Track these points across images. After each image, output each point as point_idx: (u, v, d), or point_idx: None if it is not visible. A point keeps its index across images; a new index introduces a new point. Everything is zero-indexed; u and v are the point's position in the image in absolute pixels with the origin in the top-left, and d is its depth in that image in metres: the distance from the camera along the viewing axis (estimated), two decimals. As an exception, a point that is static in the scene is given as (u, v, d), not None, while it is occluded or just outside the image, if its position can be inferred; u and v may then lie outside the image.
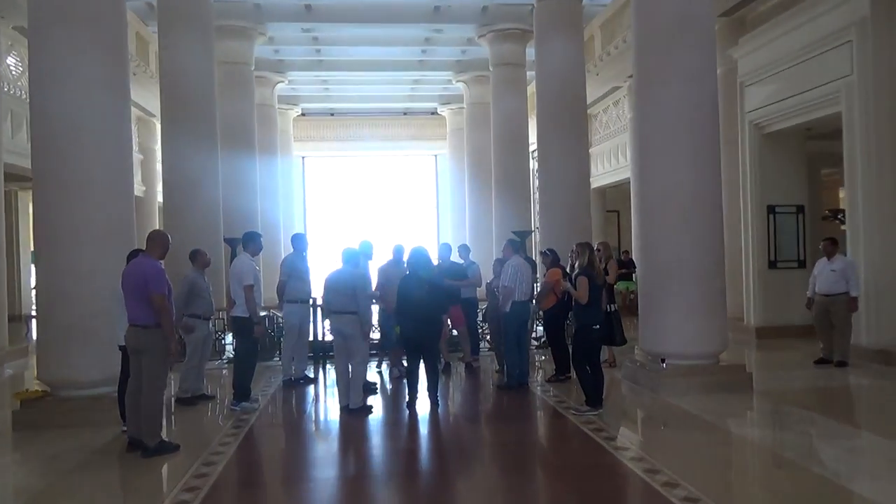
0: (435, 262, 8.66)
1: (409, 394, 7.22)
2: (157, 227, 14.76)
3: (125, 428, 5.93)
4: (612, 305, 8.19)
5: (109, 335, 6.23)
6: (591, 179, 15.20)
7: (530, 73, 15.68)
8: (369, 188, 26.46)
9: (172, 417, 7.07)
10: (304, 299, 8.54)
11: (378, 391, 8.17)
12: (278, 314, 9.53)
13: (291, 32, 16.81)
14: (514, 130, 16.20)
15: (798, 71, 10.31)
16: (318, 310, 9.43)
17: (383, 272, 8.74)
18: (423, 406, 7.16)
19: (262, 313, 10.58)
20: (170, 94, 11.29)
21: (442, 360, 8.72)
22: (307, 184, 26.30)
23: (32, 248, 8.24)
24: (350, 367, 7.07)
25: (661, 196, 7.56)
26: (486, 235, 17.60)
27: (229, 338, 9.63)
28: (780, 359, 10.01)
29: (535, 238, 14.70)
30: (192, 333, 7.50)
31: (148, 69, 15.18)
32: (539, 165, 12.76)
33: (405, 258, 8.06)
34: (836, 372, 8.58)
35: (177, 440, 5.86)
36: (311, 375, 8.92)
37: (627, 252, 16.96)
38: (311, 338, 9.29)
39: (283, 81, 19.98)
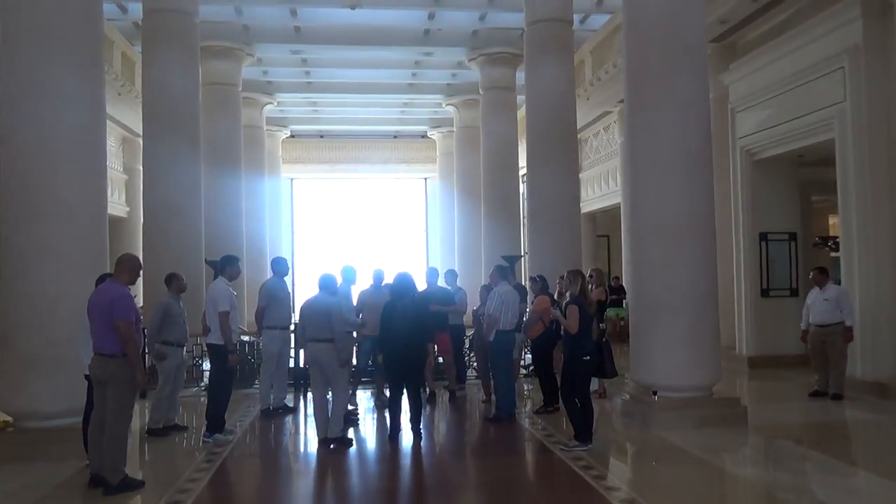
0: (423, 286, 8.43)
1: (390, 426, 6.93)
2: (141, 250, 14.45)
3: (89, 461, 5.60)
4: (602, 334, 7.95)
5: (75, 364, 5.91)
6: (581, 204, 15.04)
7: (520, 98, 15.60)
8: (358, 212, 26.25)
9: (146, 448, 6.76)
10: (284, 325, 8.25)
11: (359, 421, 7.86)
12: (258, 340, 9.21)
13: (280, 54, 16.70)
14: (503, 154, 16.09)
15: (790, 97, 10.22)
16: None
17: (362, 298, 8.49)
18: (406, 438, 6.87)
19: (245, 338, 10.37)
20: (152, 113, 11.09)
21: (427, 388, 8.46)
22: (295, 206, 26.06)
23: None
24: (330, 396, 6.78)
25: (654, 223, 7.35)
26: (476, 260, 17.39)
27: (207, 364, 9.30)
28: (774, 390, 9.78)
29: (525, 263, 14.49)
30: (164, 361, 7.18)
31: (133, 89, 14.98)
32: (529, 190, 12.60)
33: (385, 283, 7.84)
34: (831, 405, 8.36)
35: (145, 474, 5.59)
36: (291, 405, 8.59)
37: (618, 278, 16.75)
38: (291, 365, 8.97)
39: (271, 103, 19.85)
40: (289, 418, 8.17)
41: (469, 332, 9.91)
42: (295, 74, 18.50)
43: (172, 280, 7.45)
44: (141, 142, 16.50)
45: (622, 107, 15.41)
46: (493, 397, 8.20)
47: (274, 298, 8.08)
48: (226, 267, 7.30)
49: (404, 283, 7.13)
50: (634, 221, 7.69)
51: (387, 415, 7.22)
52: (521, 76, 14.70)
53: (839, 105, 9.19)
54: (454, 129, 20.94)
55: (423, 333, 7.03)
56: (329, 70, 18.06)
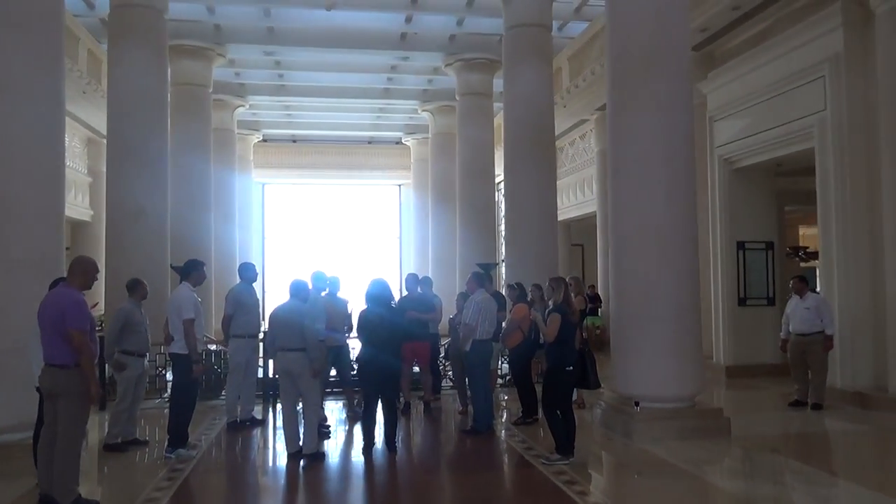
0: (401, 294, 8.15)
1: (364, 438, 6.64)
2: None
3: (38, 481, 5.19)
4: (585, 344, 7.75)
5: (25, 374, 5.50)
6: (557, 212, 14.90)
7: (497, 105, 15.45)
8: (331, 218, 25.87)
9: (103, 465, 6.37)
10: (252, 333, 7.88)
11: (331, 434, 7.53)
12: (224, 349, 8.83)
13: (253, 55, 16.32)
14: (480, 161, 15.92)
15: (769, 106, 10.17)
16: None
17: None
18: (380, 451, 6.58)
19: (211, 347, 9.96)
20: (117, 112, 10.64)
21: (402, 399, 8.17)
22: (266, 212, 25.58)
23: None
24: (301, 409, 6.46)
25: (635, 229, 7.16)
26: (450, 267, 17.15)
27: (170, 374, 8.89)
28: (753, 400, 9.67)
29: (501, 271, 14.30)
30: (123, 371, 6.78)
31: (100, 88, 14.48)
32: (505, 197, 12.40)
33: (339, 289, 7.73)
34: (812, 415, 8.27)
35: (100, 493, 5.21)
36: (259, 417, 8.22)
37: (594, 286, 16.64)
38: (259, 375, 8.61)
39: (243, 106, 19.44)
40: (257, 431, 7.80)
41: (444, 341, 9.63)
42: (268, 77, 18.12)
43: (136, 286, 7.04)
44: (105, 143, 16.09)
45: (599, 115, 15.39)
46: (470, 408, 7.95)
47: (242, 305, 7.72)
48: (191, 272, 6.92)
49: (380, 290, 6.85)
50: (615, 227, 7.49)
51: (359, 427, 6.91)
52: (498, 83, 14.57)
53: (820, 114, 9.15)
54: (429, 135, 20.72)
55: (397, 343, 6.77)
56: (303, 73, 17.71)
